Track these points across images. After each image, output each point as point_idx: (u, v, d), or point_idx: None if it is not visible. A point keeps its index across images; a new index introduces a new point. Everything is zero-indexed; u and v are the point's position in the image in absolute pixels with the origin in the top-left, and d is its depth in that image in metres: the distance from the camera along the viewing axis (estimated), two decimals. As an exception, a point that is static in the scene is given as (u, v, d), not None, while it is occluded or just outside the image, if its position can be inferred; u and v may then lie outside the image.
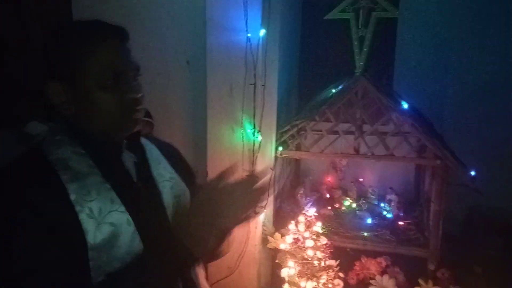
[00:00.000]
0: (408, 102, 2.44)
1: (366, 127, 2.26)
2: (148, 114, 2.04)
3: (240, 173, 2.06)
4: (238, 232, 2.15)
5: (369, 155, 2.19)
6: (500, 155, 2.75)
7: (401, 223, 2.41)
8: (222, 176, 0.91)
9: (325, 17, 2.29)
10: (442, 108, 2.87)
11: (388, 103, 2.17)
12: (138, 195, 0.94)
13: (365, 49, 2.22)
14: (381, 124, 2.20)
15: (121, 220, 0.86)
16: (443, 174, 2.07)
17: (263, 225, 2.17)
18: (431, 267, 2.11)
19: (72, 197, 0.82)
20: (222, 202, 0.87)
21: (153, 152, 1.07)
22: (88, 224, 0.81)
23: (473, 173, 2.06)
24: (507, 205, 2.69)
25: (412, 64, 2.86)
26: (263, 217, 2.19)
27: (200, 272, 1.12)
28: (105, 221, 0.83)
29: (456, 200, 2.56)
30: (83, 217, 0.81)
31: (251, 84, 1.98)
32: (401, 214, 2.52)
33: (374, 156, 2.19)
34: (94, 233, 0.81)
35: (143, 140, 1.06)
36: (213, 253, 1.02)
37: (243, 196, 0.90)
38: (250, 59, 1.95)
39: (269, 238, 2.14)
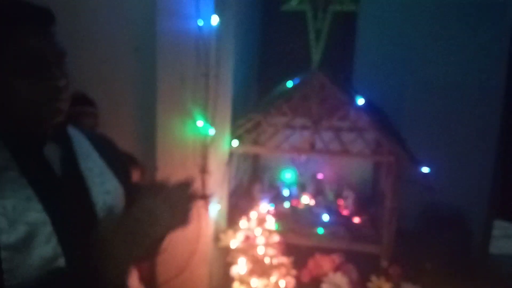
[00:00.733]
0: (366, 98, 2.43)
1: (323, 123, 2.22)
2: (92, 104, 1.91)
3: (192, 168, 1.99)
4: (188, 230, 2.07)
5: (324, 150, 2.15)
6: (455, 152, 2.80)
7: (356, 220, 2.40)
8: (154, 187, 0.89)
9: (282, 9, 2.22)
10: (400, 104, 2.89)
11: (345, 98, 2.14)
12: (60, 192, 0.87)
13: (321, 43, 2.18)
14: (337, 120, 2.17)
15: (38, 219, 0.79)
16: (397, 171, 2.07)
17: (216, 223, 2.10)
18: (384, 263, 2.11)
19: None
20: (149, 221, 0.84)
21: (82, 145, 0.99)
22: (1, 222, 0.75)
23: (426, 169, 2.06)
24: (460, 202, 2.75)
25: (372, 60, 2.87)
26: (216, 214, 2.11)
27: (132, 273, 1.04)
28: (20, 219, 0.77)
29: (411, 197, 2.59)
30: None
31: (203, 74, 1.89)
32: (357, 211, 2.51)
33: (329, 151, 2.16)
34: (8, 232, 0.75)
35: (72, 131, 0.98)
36: (147, 256, 0.97)
37: (177, 204, 0.88)
38: (202, 49, 1.85)
39: (221, 236, 2.06)
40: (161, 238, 0.89)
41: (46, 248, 0.79)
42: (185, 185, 0.91)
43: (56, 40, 0.85)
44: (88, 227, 0.88)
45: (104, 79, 2.07)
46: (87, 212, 0.91)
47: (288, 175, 2.87)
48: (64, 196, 0.87)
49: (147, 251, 0.86)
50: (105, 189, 0.95)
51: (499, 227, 3.30)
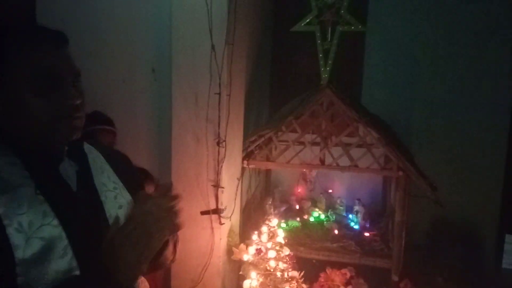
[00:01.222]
0: (374, 114, 2.48)
1: (332, 138, 2.28)
2: (111, 123, 2.00)
3: (205, 183, 2.06)
4: (201, 244, 2.12)
5: (334, 166, 2.20)
6: (464, 168, 2.82)
7: (367, 234, 2.43)
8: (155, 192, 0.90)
9: (291, 30, 2.31)
10: (408, 120, 2.93)
11: (353, 115, 2.20)
12: (76, 206, 0.89)
13: (330, 62, 2.25)
14: (346, 136, 2.22)
15: (53, 234, 0.81)
16: (405, 186, 2.10)
17: (228, 236, 2.15)
18: (395, 278, 2.12)
19: (0, 210, 0.77)
20: (150, 223, 0.84)
21: (97, 160, 1.02)
22: (16, 239, 0.77)
23: (433, 185, 2.09)
24: (468, 217, 2.76)
25: (380, 77, 2.93)
26: (229, 228, 2.16)
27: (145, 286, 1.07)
28: (36, 235, 0.79)
29: (421, 212, 2.61)
30: (11, 231, 0.77)
31: (216, 93, 1.97)
32: (367, 225, 2.54)
33: (338, 167, 2.21)
34: (24, 248, 0.77)
35: (88, 148, 1.02)
36: (155, 264, 1.01)
37: (166, 211, 0.87)
38: (215, 69, 1.94)
39: (234, 249, 2.11)
40: (163, 240, 0.89)
41: (62, 262, 0.81)
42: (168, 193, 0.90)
43: (71, 61, 0.88)
44: (101, 241, 0.89)
45: (122, 98, 2.17)
46: (101, 226, 0.93)
47: (300, 189, 2.92)
48: (79, 211, 0.89)
49: (143, 258, 0.85)
50: (118, 203, 0.99)
51: (511, 241, 3.26)
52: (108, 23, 2.14)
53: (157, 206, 0.86)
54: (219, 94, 1.96)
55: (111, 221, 0.94)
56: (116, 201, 0.99)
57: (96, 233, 0.90)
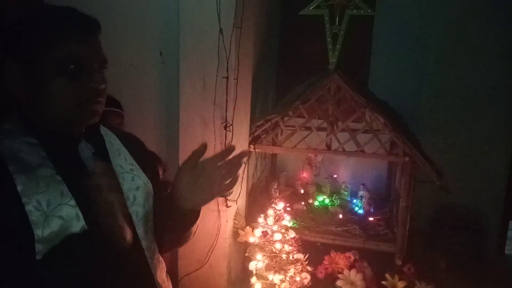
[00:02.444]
0: (381, 100, 2.48)
1: (338, 124, 2.28)
2: (118, 105, 2.01)
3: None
4: (208, 225, 2.15)
5: (340, 151, 2.21)
6: (468, 155, 2.82)
7: (371, 218, 2.46)
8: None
9: (300, 13, 2.29)
10: (415, 106, 2.92)
11: (360, 100, 2.19)
12: (93, 187, 0.92)
13: (338, 46, 2.24)
14: (353, 121, 2.22)
15: (71, 214, 0.84)
16: (411, 171, 2.11)
17: (235, 219, 2.18)
18: (398, 262, 2.15)
19: (19, 188, 0.80)
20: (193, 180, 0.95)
21: (114, 143, 1.05)
22: (35, 217, 0.80)
23: (440, 170, 2.10)
24: (473, 203, 2.77)
25: (388, 62, 2.90)
26: (235, 210, 2.19)
27: (161, 267, 1.10)
28: (54, 214, 0.82)
29: (425, 198, 2.63)
30: (30, 208, 0.80)
31: (223, 77, 1.97)
32: (372, 210, 2.56)
33: (345, 152, 2.22)
34: (42, 226, 0.80)
35: (104, 130, 1.05)
36: (187, 234, 1.07)
37: (214, 173, 0.96)
38: (222, 52, 1.94)
39: (240, 231, 2.14)
40: (193, 218, 1.00)
41: (79, 241, 0.84)
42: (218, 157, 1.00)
43: (101, 48, 0.92)
44: (119, 221, 0.95)
45: (130, 81, 2.18)
46: (119, 205, 0.97)
47: (305, 174, 2.94)
48: (96, 192, 0.92)
49: (180, 234, 0.97)
50: (135, 184, 1.02)
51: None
52: (116, 6, 2.14)
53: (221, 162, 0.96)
54: (227, 78, 1.96)
55: (128, 202, 0.98)
56: (133, 182, 1.02)
57: (113, 214, 0.93)
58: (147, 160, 1.13)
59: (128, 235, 0.96)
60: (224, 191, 0.99)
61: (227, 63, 1.94)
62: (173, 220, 1.01)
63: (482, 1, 2.72)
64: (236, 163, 0.98)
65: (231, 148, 1.00)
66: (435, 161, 2.20)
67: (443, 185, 2.10)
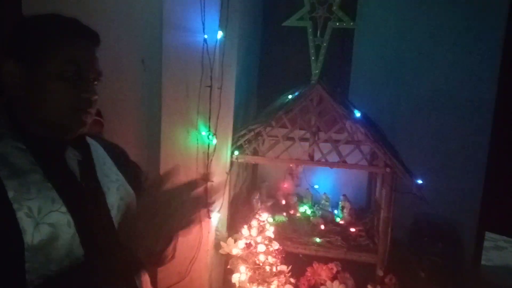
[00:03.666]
0: (362, 111, 2.51)
1: (321, 134, 2.30)
2: (98, 113, 1.96)
3: (194, 176, 2.04)
4: (189, 237, 2.10)
5: (322, 161, 2.22)
6: (446, 165, 2.89)
7: (352, 229, 2.46)
8: (168, 176, 0.89)
9: (283, 24, 2.31)
10: (394, 118, 2.97)
11: (342, 111, 2.22)
12: (81, 195, 0.91)
13: (321, 58, 2.26)
14: (335, 132, 2.24)
15: (62, 221, 0.82)
16: (392, 182, 2.14)
17: (216, 230, 2.14)
18: (380, 273, 2.16)
19: (10, 194, 0.78)
20: (169, 204, 0.86)
21: (99, 152, 1.04)
22: (26, 224, 0.77)
23: (419, 181, 2.13)
24: (450, 214, 2.83)
25: (367, 74, 2.96)
26: (217, 222, 2.16)
27: (146, 279, 1.08)
28: (45, 221, 0.80)
29: (404, 208, 2.66)
30: (21, 215, 0.77)
31: (207, 86, 1.95)
32: (353, 220, 2.57)
33: (327, 163, 2.23)
34: (32, 233, 0.78)
35: (89, 139, 1.03)
36: (159, 258, 1.01)
37: (190, 198, 0.89)
38: (207, 61, 1.92)
39: (222, 243, 2.11)
40: (172, 234, 0.92)
41: (69, 249, 0.82)
42: (196, 182, 0.92)
43: (98, 61, 0.94)
44: (104, 230, 0.93)
45: (111, 89, 2.13)
46: (104, 214, 0.95)
47: (286, 185, 2.93)
48: (84, 199, 0.91)
49: (160, 250, 0.90)
50: (119, 195, 1.00)
51: (489, 238, 3.38)
52: (97, 12, 2.09)
53: (179, 193, 0.87)
54: (211, 87, 1.94)
55: (113, 212, 0.96)
56: (118, 192, 1.00)
57: (101, 223, 0.92)
58: (130, 171, 1.12)
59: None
60: (183, 226, 0.91)
61: (211, 72, 1.93)
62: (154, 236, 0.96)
63: (456, 17, 2.82)
64: (201, 199, 0.91)
65: (205, 178, 0.99)
66: (414, 171, 2.24)
67: (423, 196, 2.14)
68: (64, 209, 0.83)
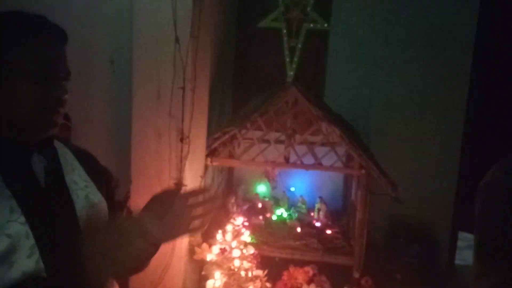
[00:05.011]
0: (337, 113, 2.51)
1: (296, 137, 2.27)
2: (66, 117, 1.87)
3: (167, 181, 1.98)
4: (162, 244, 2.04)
5: (298, 164, 2.20)
6: (420, 167, 2.92)
7: (328, 231, 2.45)
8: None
9: (258, 25, 2.28)
10: (368, 120, 2.99)
11: (317, 113, 2.20)
12: (44, 204, 0.86)
13: (296, 59, 2.24)
14: (310, 134, 2.22)
15: (20, 232, 0.77)
16: (367, 184, 2.14)
17: (190, 236, 2.08)
18: (356, 275, 2.15)
19: None
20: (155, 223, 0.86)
21: (67, 157, 0.99)
22: None
23: (394, 183, 2.14)
24: (424, 215, 2.86)
25: (342, 76, 2.97)
26: (190, 227, 2.10)
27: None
28: (2, 232, 0.75)
29: (379, 210, 2.67)
30: None
31: (180, 87, 1.90)
32: (329, 223, 2.56)
33: (303, 165, 2.20)
34: None
35: (57, 144, 0.98)
36: (130, 273, 1.00)
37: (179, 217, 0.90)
38: (179, 62, 1.87)
39: (196, 249, 2.05)
40: (151, 252, 0.90)
41: (28, 262, 0.77)
42: (174, 196, 0.93)
43: (66, 59, 0.91)
44: (71, 241, 0.87)
45: (78, 91, 2.04)
46: (71, 225, 0.90)
47: (262, 187, 2.90)
48: (47, 208, 0.86)
49: (134, 265, 0.86)
50: (89, 202, 0.95)
51: (463, 238, 3.43)
52: (63, 11, 2.01)
53: (147, 218, 0.87)
54: (183, 88, 1.89)
55: (81, 220, 0.91)
56: (87, 200, 0.95)
57: (65, 234, 0.87)
58: (101, 177, 1.07)
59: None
60: (192, 232, 0.95)
61: (184, 73, 1.87)
62: (128, 250, 0.92)
63: (429, 19, 2.86)
64: (209, 207, 0.93)
65: (205, 188, 0.98)
66: (388, 173, 2.24)
67: (398, 197, 2.14)
68: (22, 219, 0.78)
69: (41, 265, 0.79)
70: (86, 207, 0.93)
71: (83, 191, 0.95)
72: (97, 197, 0.98)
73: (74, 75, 2.06)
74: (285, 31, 2.25)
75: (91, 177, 1.01)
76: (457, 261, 3.07)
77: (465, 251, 3.48)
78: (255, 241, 2.27)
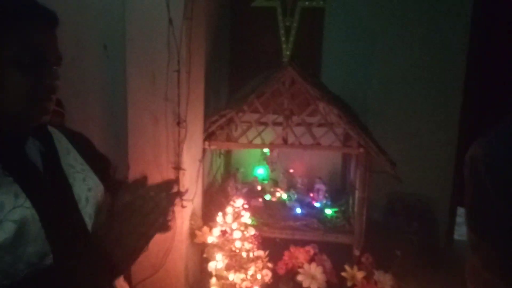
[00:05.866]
0: (334, 92, 2.49)
1: (294, 118, 2.26)
2: (59, 103, 1.85)
3: (165, 165, 1.97)
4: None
5: (296, 144, 2.19)
6: (418, 145, 2.92)
7: (328, 211, 2.46)
8: (141, 180, 0.92)
9: (252, 5, 2.24)
10: (366, 98, 2.97)
11: (315, 93, 2.18)
12: (45, 188, 0.86)
13: (292, 39, 2.22)
14: (308, 114, 2.21)
15: (26, 216, 0.78)
16: (366, 162, 2.14)
17: (191, 220, 2.09)
18: (356, 253, 2.17)
19: None
20: (145, 204, 0.86)
21: (62, 141, 0.99)
22: None
23: (393, 160, 2.14)
24: (423, 192, 2.87)
25: (339, 55, 2.93)
26: (191, 211, 2.10)
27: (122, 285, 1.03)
28: (9, 218, 0.75)
29: (378, 188, 2.68)
30: None
31: (175, 71, 1.87)
32: (329, 202, 2.57)
33: (301, 145, 2.20)
34: None
35: (51, 129, 0.98)
36: (135, 259, 0.98)
37: (166, 196, 0.89)
38: (173, 45, 1.84)
39: (197, 232, 2.06)
40: (152, 236, 0.89)
41: (35, 245, 0.78)
42: (167, 183, 0.94)
43: (57, 43, 0.87)
44: (72, 224, 0.89)
45: (72, 78, 2.02)
46: (71, 208, 0.91)
47: (261, 170, 2.90)
48: (48, 192, 0.86)
49: (141, 244, 0.86)
50: (86, 186, 0.96)
51: (462, 214, 3.46)
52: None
53: (154, 193, 0.87)
54: (178, 71, 1.86)
55: (80, 204, 0.92)
56: (85, 183, 0.95)
57: (67, 216, 0.88)
58: (97, 161, 1.07)
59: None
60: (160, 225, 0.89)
61: (178, 56, 1.85)
62: None
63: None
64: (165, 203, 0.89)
65: (176, 167, 0.98)
66: (387, 151, 2.24)
67: (396, 175, 2.14)
68: (28, 203, 0.78)
69: (47, 247, 0.79)
70: (83, 190, 0.94)
71: (80, 174, 0.95)
72: (94, 181, 0.99)
73: (67, 61, 2.03)
74: (280, 9, 2.21)
75: (87, 160, 1.01)
76: (456, 236, 3.10)
77: (463, 226, 3.51)
78: (255, 223, 2.29)
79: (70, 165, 0.95)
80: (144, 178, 0.92)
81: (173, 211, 0.92)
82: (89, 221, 0.93)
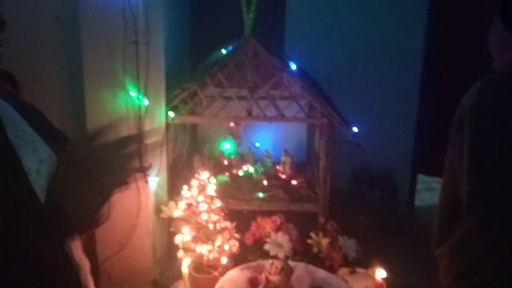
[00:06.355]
0: (298, 64, 2.49)
1: (258, 91, 2.25)
2: (11, 79, 1.76)
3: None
4: (127, 204, 2.01)
5: (261, 117, 2.19)
6: (381, 114, 2.99)
7: (294, 182, 2.50)
8: (97, 133, 0.87)
9: (211, -27, 2.18)
10: (330, 70, 2.99)
11: (278, 65, 2.18)
12: None
13: (253, 8, 2.18)
14: (272, 88, 2.21)
15: None
16: (329, 132, 2.17)
17: (156, 195, 2.07)
18: (321, 220, 2.23)
19: None
20: (101, 160, 0.85)
21: (9, 112, 0.94)
22: None
23: (355, 129, 2.18)
24: (387, 160, 2.96)
25: (302, 27, 2.93)
26: (156, 186, 2.08)
27: (77, 244, 1.01)
28: None
29: (343, 158, 2.73)
30: None
31: (132, 42, 1.81)
32: (295, 174, 2.61)
33: (266, 117, 2.20)
34: None
35: None
36: (93, 219, 0.96)
37: (123, 155, 0.86)
38: (129, 14, 1.77)
39: (163, 207, 2.05)
40: (107, 193, 0.89)
41: None
42: (128, 139, 0.92)
43: None
44: (22, 196, 0.86)
45: (23, 52, 1.90)
46: (20, 180, 0.87)
47: (227, 145, 2.89)
48: None
49: (95, 209, 0.85)
50: (38, 158, 0.92)
51: (422, 181, 3.61)
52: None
53: (108, 153, 0.88)
54: (136, 42, 1.80)
55: (31, 176, 0.88)
56: (36, 155, 0.92)
57: (15, 188, 0.84)
58: (50, 132, 1.03)
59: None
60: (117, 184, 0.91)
61: (135, 26, 1.78)
62: None
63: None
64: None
65: (138, 141, 0.96)
66: (351, 122, 2.28)
67: (359, 144, 2.19)
68: None
69: None
70: (35, 162, 0.90)
71: (30, 145, 0.92)
72: (46, 152, 0.95)
73: (18, 34, 1.91)
74: (240, -21, 2.16)
75: (38, 131, 0.96)
76: (416, 203, 3.24)
77: (423, 193, 3.68)
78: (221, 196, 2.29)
79: (17, 137, 0.90)
80: (101, 133, 0.90)
81: (133, 172, 0.91)
82: (41, 193, 0.90)
